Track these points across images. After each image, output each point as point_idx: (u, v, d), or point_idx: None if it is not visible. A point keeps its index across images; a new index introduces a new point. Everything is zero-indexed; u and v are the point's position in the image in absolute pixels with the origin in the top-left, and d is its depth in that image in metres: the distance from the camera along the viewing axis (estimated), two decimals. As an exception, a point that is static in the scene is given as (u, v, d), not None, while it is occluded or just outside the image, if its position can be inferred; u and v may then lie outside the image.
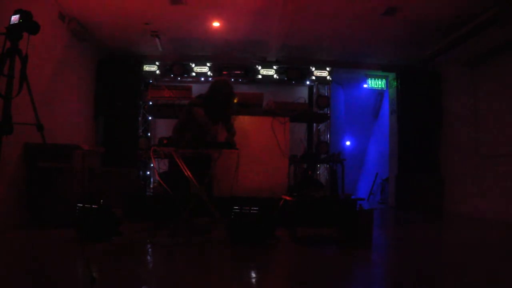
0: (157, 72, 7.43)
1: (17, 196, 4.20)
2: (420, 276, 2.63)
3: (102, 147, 6.46)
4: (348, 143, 9.70)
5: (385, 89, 8.62)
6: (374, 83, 8.59)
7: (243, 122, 5.45)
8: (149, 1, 5.32)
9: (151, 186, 7.21)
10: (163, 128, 7.53)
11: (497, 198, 5.63)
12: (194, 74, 7.46)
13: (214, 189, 4.61)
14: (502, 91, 5.71)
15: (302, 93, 7.86)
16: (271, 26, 6.04)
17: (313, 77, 7.64)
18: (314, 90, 7.95)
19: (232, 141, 4.03)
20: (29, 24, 2.99)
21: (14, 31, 2.94)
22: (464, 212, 6.38)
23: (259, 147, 5.40)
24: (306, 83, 7.90)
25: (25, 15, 2.97)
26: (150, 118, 7.52)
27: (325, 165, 7.49)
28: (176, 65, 7.42)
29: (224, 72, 7.46)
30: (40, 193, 4.28)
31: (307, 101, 7.49)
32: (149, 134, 7.53)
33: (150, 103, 7.10)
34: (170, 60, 7.45)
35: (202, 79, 7.49)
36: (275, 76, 7.58)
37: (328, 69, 7.63)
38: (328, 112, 7.49)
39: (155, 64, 7.43)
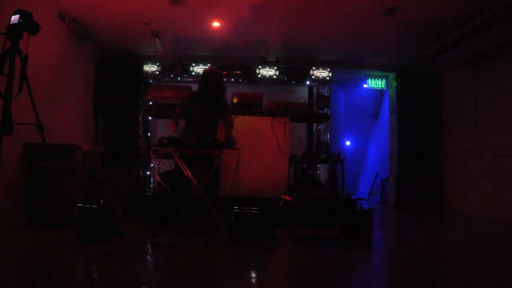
0: (157, 72, 7.43)
1: (17, 196, 4.20)
2: (420, 276, 2.63)
3: (102, 147, 6.46)
4: (348, 143, 9.70)
5: (385, 89, 8.63)
6: (374, 83, 8.60)
7: (243, 122, 5.45)
8: (149, 1, 5.32)
9: (151, 186, 7.21)
10: (163, 128, 7.52)
11: (497, 198, 5.63)
12: (194, 74, 7.45)
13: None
14: (502, 91, 5.71)
15: (302, 93, 7.85)
16: (271, 26, 6.04)
17: (313, 77, 7.64)
18: (314, 90, 7.95)
19: (230, 136, 4.03)
20: (29, 24, 2.99)
21: (14, 31, 2.94)
22: (464, 212, 6.38)
23: (259, 147, 5.40)
24: (306, 83, 7.90)
25: (25, 15, 2.97)
26: (150, 118, 7.51)
27: (325, 165, 7.48)
28: (176, 65, 7.41)
29: (224, 72, 7.44)
30: (40, 193, 4.28)
31: (307, 101, 7.48)
32: (149, 134, 7.53)
33: (150, 103, 7.10)
34: (170, 60, 7.45)
35: (202, 79, 7.48)
36: (275, 76, 7.57)
37: (328, 69, 7.63)
38: (328, 112, 7.48)
39: (155, 64, 7.42)
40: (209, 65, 7.39)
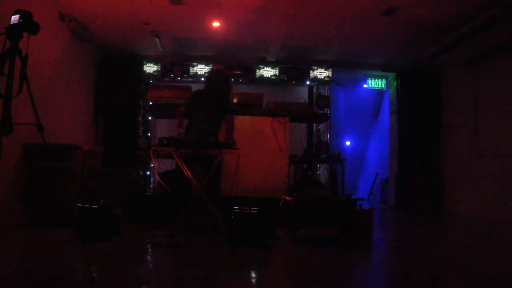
0: (157, 72, 7.43)
1: (17, 196, 4.20)
2: (421, 276, 2.63)
3: (102, 147, 6.46)
4: (348, 143, 9.70)
5: (385, 89, 8.63)
6: (374, 83, 8.60)
7: (243, 122, 5.45)
8: (149, 1, 5.32)
9: (151, 186, 7.21)
10: (163, 128, 7.53)
11: (497, 198, 5.63)
12: (194, 74, 7.46)
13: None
14: (502, 91, 5.71)
15: (302, 93, 7.86)
16: (271, 26, 6.04)
17: (313, 77, 7.64)
18: (314, 90, 7.95)
19: (230, 137, 4.03)
20: (29, 24, 3.00)
21: (14, 31, 2.94)
22: (463, 212, 6.38)
23: (259, 147, 5.40)
24: (306, 83, 7.90)
25: (25, 15, 2.97)
26: (150, 118, 7.52)
27: (325, 165, 7.49)
28: (176, 65, 7.41)
29: (225, 72, 7.46)
30: (40, 193, 4.27)
31: (307, 101, 7.48)
32: (149, 134, 7.53)
33: (150, 103, 7.10)
34: (170, 60, 7.45)
35: (202, 79, 7.48)
36: (275, 76, 7.58)
37: (328, 69, 7.63)
38: (328, 112, 7.49)
39: (155, 64, 7.43)
40: (210, 65, 7.40)
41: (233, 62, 7.54)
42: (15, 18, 2.92)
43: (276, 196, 4.44)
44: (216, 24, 6.12)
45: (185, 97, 6.43)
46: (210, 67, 4.58)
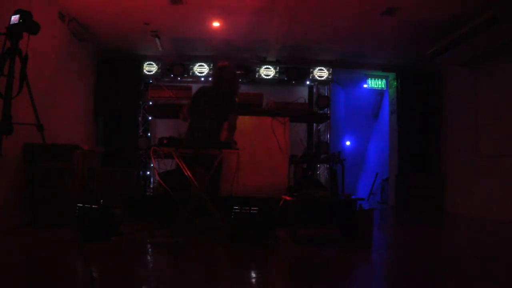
0: (157, 72, 7.43)
1: (17, 196, 4.20)
2: (421, 276, 2.63)
3: (102, 147, 6.47)
4: (348, 143, 9.70)
5: (385, 89, 8.64)
6: (374, 83, 8.61)
7: (243, 122, 5.45)
8: (149, 1, 5.32)
9: (151, 186, 7.21)
10: (163, 128, 7.53)
11: (497, 198, 5.63)
12: (194, 74, 7.46)
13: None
14: (502, 91, 5.71)
15: (302, 93, 7.85)
16: (271, 26, 6.04)
17: (313, 77, 7.64)
18: (314, 90, 7.95)
19: (230, 137, 4.02)
20: (29, 24, 3.00)
21: (14, 31, 2.94)
22: (463, 212, 6.38)
23: (259, 147, 5.39)
24: (306, 83, 7.90)
25: (25, 15, 2.97)
26: (150, 118, 7.52)
27: (325, 165, 7.49)
28: (176, 65, 7.42)
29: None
30: (40, 193, 4.27)
31: (307, 101, 7.49)
32: (149, 134, 7.53)
33: (150, 103, 7.09)
34: (170, 60, 7.45)
35: (202, 79, 7.49)
36: (275, 76, 7.58)
37: (328, 69, 7.63)
38: (328, 112, 7.49)
39: (155, 64, 7.43)
40: (211, 65, 7.40)
41: (233, 62, 7.52)
42: (15, 18, 2.93)
43: (276, 196, 4.43)
44: (216, 24, 6.12)
45: (186, 96, 6.47)
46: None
